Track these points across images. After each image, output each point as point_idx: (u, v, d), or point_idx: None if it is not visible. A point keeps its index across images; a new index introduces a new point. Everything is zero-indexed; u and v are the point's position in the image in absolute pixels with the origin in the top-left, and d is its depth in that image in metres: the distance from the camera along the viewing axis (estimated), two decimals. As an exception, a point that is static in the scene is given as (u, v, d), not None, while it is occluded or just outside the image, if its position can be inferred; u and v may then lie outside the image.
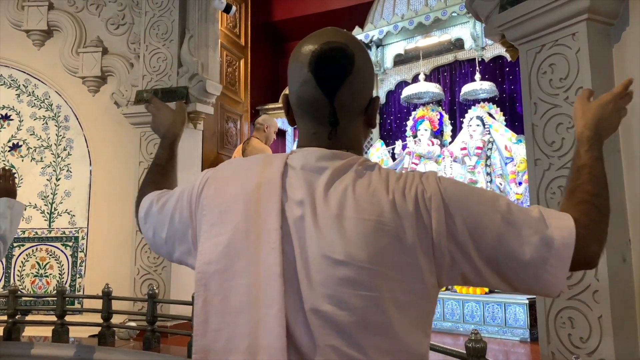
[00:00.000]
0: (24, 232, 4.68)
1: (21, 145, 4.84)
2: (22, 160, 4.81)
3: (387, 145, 6.90)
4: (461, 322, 4.83)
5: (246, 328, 0.78)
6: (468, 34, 5.77)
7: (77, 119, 4.80)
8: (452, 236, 0.78)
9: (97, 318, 3.19)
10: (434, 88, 6.36)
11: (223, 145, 5.27)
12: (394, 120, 7.31)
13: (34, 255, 4.66)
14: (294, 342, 0.76)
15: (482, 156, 5.81)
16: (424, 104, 6.71)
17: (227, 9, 4.70)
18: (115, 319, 3.30)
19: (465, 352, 1.60)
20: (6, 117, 4.87)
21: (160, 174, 1.19)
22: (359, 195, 0.79)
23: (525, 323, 4.48)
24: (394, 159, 6.79)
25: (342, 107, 0.87)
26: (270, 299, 0.76)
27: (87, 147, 4.75)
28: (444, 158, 6.23)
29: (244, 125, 5.82)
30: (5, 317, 3.40)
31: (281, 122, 7.85)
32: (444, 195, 0.79)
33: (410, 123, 6.75)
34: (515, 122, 5.96)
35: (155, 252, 1.06)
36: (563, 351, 2.11)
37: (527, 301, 4.46)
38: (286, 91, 0.94)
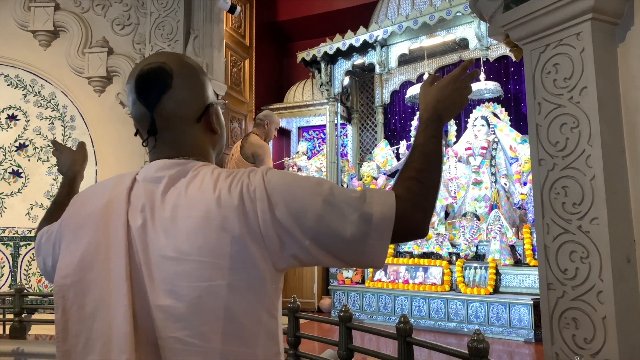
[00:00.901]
0: (30, 231, 4.71)
1: (28, 145, 4.87)
2: (29, 160, 4.85)
3: (392, 145, 6.89)
4: (465, 323, 4.83)
5: (101, 330, 0.87)
6: (473, 34, 5.75)
7: (83, 118, 4.84)
8: (277, 222, 0.86)
9: (103, 317, 3.20)
10: (439, 88, 6.34)
11: (228, 145, 5.28)
12: (398, 120, 7.31)
13: (40, 254, 4.69)
14: (144, 338, 0.85)
15: (486, 156, 5.80)
16: (428, 104, 6.69)
17: (231, 9, 4.72)
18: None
19: (467, 352, 1.60)
20: (13, 117, 4.91)
21: (57, 210, 1.26)
22: (190, 196, 0.88)
23: (529, 323, 4.47)
24: (398, 159, 6.79)
25: (167, 118, 0.96)
26: (118, 302, 0.85)
27: (93, 147, 4.78)
28: (448, 158, 6.22)
29: (249, 124, 5.84)
30: (11, 316, 3.42)
31: (285, 122, 7.87)
32: (267, 187, 0.87)
33: (414, 123, 6.75)
34: (520, 122, 5.95)
35: (49, 281, 1.12)
36: (567, 352, 2.10)
37: (531, 302, 4.45)
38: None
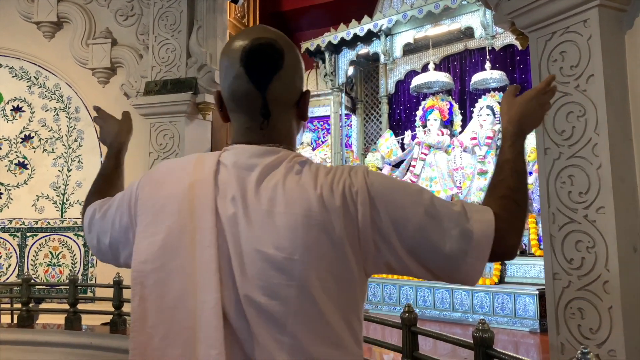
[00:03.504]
0: (37, 222, 4.74)
1: (33, 137, 4.89)
2: (34, 152, 4.86)
3: (396, 135, 6.87)
4: (470, 313, 4.83)
5: (183, 322, 0.82)
6: (478, 23, 5.70)
7: (88, 110, 4.84)
8: (377, 228, 0.83)
9: (109, 306, 3.22)
10: (444, 77, 6.31)
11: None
12: (403, 110, 7.28)
13: (47, 245, 4.73)
14: (232, 333, 0.80)
15: (492, 146, 5.77)
16: (433, 94, 6.67)
17: (235, 0, 4.69)
18: (128, 308, 3.34)
19: (472, 342, 1.59)
20: (18, 109, 4.92)
21: (105, 182, 1.21)
22: (289, 191, 0.83)
23: (535, 314, 4.47)
24: (403, 149, 6.77)
25: (274, 100, 0.91)
26: (207, 294, 0.81)
27: (98, 137, 4.79)
28: (453, 148, 6.20)
29: (253, 115, 5.84)
30: (19, 305, 3.46)
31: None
32: (370, 189, 0.84)
33: (419, 113, 6.72)
34: (526, 112, 5.91)
35: (101, 259, 1.08)
36: (573, 342, 2.09)
37: (537, 292, 4.45)
38: (219, 88, 0.98)
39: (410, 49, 6.72)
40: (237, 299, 0.81)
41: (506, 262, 4.93)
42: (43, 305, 4.03)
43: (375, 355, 3.51)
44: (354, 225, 0.82)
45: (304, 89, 0.98)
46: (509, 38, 5.58)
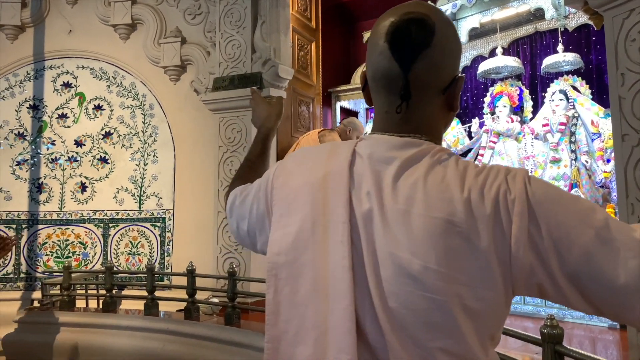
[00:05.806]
0: (117, 213, 5.08)
1: (112, 133, 5.21)
2: (114, 147, 5.19)
3: (463, 123, 6.69)
4: (543, 306, 4.65)
5: (314, 320, 0.78)
6: (549, 3, 5.41)
7: (161, 106, 5.09)
8: (534, 246, 0.71)
9: (184, 294, 3.38)
10: (513, 62, 6.06)
11: (296, 129, 5.36)
12: (470, 97, 7.06)
13: (127, 235, 5.05)
14: (363, 337, 0.74)
15: (565, 132, 5.48)
16: (502, 79, 6.42)
17: (297, -7, 4.74)
18: (201, 295, 3.50)
19: (540, 337, 1.54)
20: (99, 108, 5.26)
21: (249, 168, 1.20)
22: (430, 190, 0.74)
23: (614, 308, 4.23)
24: (470, 137, 6.58)
25: (417, 82, 0.81)
26: (339, 293, 0.75)
27: (171, 133, 5.04)
28: (524, 135, 5.95)
29: (316, 108, 5.88)
30: (104, 292, 3.73)
31: (353, 104, 7.85)
32: (530, 200, 0.72)
33: (487, 99, 6.50)
34: (603, 95, 5.56)
35: (241, 243, 1.08)
36: (654, 339, 1.98)
37: (616, 285, 4.21)
38: (364, 67, 0.91)
39: (476, 34, 6.50)
40: (371, 303, 0.74)
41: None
42: (125, 292, 4.33)
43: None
44: (506, 239, 0.71)
45: (457, 74, 0.87)
46: (584, 17, 5.25)
